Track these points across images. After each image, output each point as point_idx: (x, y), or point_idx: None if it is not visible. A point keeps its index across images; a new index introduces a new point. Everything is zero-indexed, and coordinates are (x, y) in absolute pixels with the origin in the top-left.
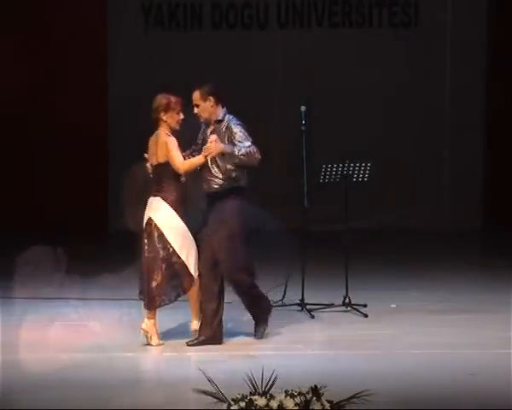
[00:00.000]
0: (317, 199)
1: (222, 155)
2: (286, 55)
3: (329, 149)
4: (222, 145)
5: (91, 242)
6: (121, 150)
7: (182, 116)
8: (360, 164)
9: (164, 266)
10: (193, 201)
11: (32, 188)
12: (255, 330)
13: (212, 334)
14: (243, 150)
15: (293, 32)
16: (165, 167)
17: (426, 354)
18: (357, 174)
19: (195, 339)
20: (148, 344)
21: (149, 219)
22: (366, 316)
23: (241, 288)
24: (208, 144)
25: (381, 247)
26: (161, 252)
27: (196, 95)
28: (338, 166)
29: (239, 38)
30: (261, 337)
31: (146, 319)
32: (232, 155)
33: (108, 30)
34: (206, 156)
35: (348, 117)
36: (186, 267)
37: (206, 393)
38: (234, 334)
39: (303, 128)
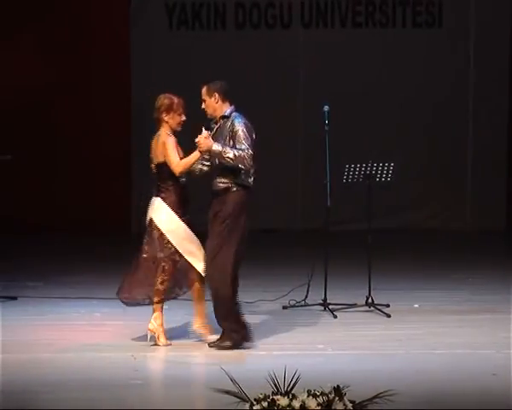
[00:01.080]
0: (340, 199)
1: (209, 152)
2: (309, 55)
3: (353, 149)
4: (211, 142)
5: (114, 242)
6: (145, 151)
7: (184, 118)
8: (384, 164)
9: (166, 265)
10: (197, 200)
11: (55, 188)
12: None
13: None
14: (231, 154)
15: (317, 31)
16: (165, 168)
17: (448, 355)
18: (381, 174)
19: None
20: (156, 344)
21: (150, 219)
22: (389, 316)
23: (219, 299)
24: (198, 138)
25: (403, 247)
26: (161, 253)
27: (203, 90)
28: (361, 166)
29: (262, 37)
30: (212, 346)
31: (152, 320)
32: (219, 155)
33: (131, 30)
34: (200, 152)
35: (372, 117)
36: (190, 264)
37: (228, 393)
38: (255, 333)
39: (326, 128)
